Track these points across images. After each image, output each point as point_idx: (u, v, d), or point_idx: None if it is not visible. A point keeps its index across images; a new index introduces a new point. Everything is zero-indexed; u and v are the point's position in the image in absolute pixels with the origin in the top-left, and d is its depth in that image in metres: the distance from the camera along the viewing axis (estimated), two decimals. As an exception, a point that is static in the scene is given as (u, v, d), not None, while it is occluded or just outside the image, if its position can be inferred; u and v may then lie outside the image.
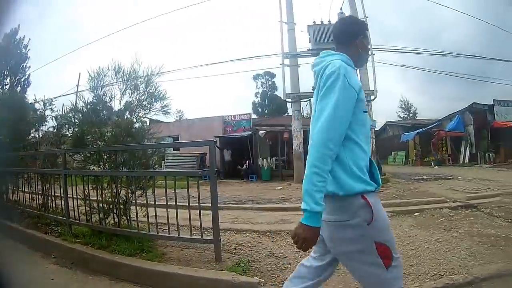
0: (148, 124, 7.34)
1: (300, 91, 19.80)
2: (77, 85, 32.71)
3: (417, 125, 38.94)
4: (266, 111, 64.12)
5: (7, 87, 41.34)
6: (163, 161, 24.71)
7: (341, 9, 20.32)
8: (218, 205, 5.58)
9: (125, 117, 6.33)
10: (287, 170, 22.05)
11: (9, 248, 6.57)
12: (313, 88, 2.57)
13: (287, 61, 19.68)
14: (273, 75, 64.81)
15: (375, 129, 20.87)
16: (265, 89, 68.56)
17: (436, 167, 28.74)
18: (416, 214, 9.29)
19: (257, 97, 69.47)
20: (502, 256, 5.47)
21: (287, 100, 20.52)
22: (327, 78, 2.28)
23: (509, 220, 8.07)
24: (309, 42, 19.94)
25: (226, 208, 10.42)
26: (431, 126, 34.75)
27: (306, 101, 20.54)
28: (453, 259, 5.41)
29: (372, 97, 19.30)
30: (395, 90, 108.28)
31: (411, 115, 68.05)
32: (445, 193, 12.10)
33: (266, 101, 67.69)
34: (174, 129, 30.00)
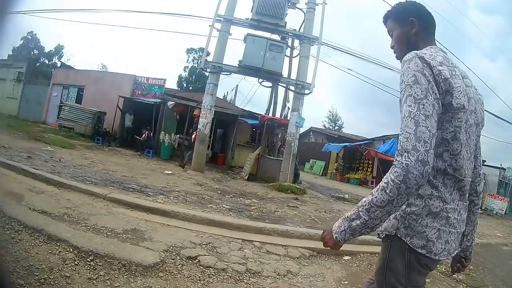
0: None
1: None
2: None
3: (344, 138, 37.43)
4: (191, 88, 59.97)
5: None
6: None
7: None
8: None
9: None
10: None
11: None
12: None
13: (218, 26, 16.47)
14: (207, 53, 60.87)
15: (301, 128, 17.49)
16: (196, 65, 64.48)
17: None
18: (346, 258, 6.30)
19: (186, 71, 65.06)
20: None
21: (205, 68, 17.29)
22: None
23: None
24: (251, 11, 16.83)
25: (72, 189, 7.24)
26: (361, 142, 32.91)
27: (227, 75, 17.20)
28: None
29: (307, 91, 16.46)
30: (325, 98, 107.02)
31: (336, 127, 66.95)
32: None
33: (194, 77, 63.55)
34: (82, 79, 27.65)
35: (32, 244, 4.24)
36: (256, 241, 5.96)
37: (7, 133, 15.28)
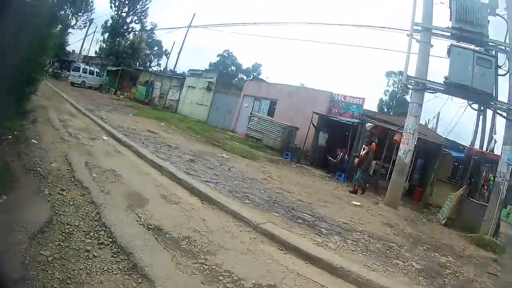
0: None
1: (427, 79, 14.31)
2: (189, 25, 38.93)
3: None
4: (391, 113, 57.89)
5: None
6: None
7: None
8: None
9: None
10: (387, 182, 15.78)
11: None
12: None
13: (417, 37, 14.45)
14: (408, 77, 58.57)
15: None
16: (396, 89, 62.39)
17: None
18: None
19: (386, 95, 64.67)
20: None
21: (406, 85, 15.22)
22: None
23: None
24: (450, 19, 14.34)
25: (218, 206, 6.07)
26: None
27: (432, 93, 14.81)
28: None
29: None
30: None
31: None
32: None
33: (394, 102, 62.01)
34: (275, 92, 28.73)
35: (104, 268, 3.24)
36: None
37: (183, 134, 15.33)
